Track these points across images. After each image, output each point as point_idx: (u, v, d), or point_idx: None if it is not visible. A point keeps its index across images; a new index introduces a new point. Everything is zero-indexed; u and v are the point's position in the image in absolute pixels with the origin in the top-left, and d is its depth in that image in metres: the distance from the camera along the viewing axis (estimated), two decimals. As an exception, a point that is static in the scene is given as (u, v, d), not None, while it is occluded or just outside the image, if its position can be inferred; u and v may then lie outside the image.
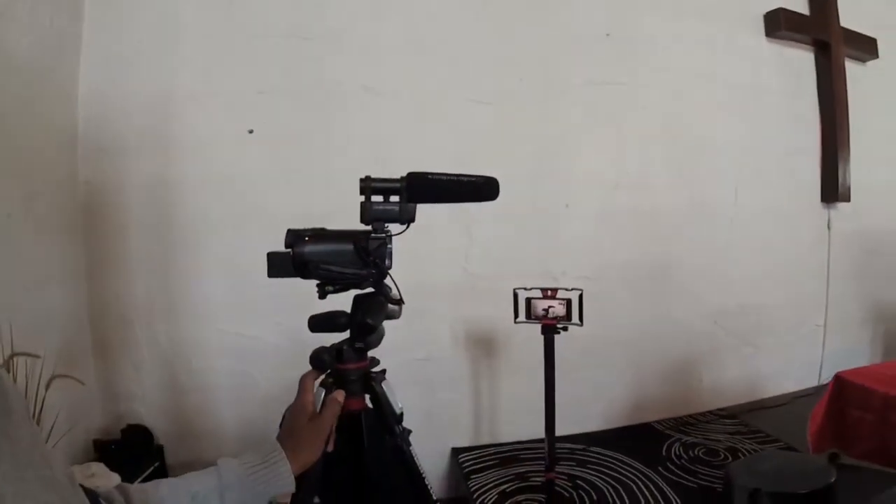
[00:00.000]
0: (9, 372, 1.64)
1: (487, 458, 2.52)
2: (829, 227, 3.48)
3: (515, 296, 2.12)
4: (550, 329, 2.08)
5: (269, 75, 2.37)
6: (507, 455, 2.54)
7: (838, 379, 2.07)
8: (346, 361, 1.08)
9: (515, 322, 2.12)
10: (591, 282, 2.62)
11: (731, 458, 2.44)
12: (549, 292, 2.09)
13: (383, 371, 1.14)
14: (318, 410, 1.01)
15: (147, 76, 2.29)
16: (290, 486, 0.93)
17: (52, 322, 2.08)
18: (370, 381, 1.11)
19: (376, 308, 1.05)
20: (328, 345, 1.10)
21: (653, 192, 2.86)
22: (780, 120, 3.27)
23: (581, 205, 2.74)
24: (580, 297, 2.07)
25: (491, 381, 2.67)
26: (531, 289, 2.11)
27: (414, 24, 2.52)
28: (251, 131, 2.34)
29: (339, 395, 1.02)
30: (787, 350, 3.33)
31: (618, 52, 2.78)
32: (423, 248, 2.47)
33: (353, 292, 1.08)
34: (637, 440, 2.67)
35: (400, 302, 1.09)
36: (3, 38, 1.81)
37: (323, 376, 1.07)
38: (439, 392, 2.60)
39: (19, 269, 1.91)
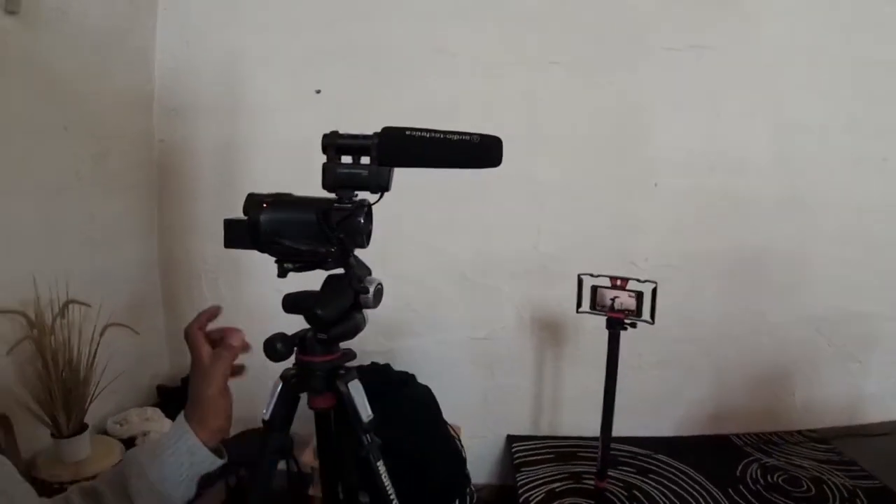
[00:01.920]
0: (63, 318, 1.64)
1: (543, 450, 2.26)
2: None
3: (580, 282, 1.84)
4: (616, 323, 1.79)
5: (338, 36, 2.19)
6: (564, 450, 2.26)
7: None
8: (309, 352, 0.87)
9: (578, 311, 1.84)
10: (676, 271, 2.29)
11: (814, 491, 2.04)
12: (619, 282, 1.79)
13: (355, 369, 0.91)
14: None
15: (218, 37, 2.23)
16: (210, 460, 0.77)
17: (121, 274, 2.10)
18: (334, 378, 0.88)
19: (333, 295, 0.83)
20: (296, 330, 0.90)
21: (752, 176, 2.37)
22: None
23: (669, 184, 2.32)
24: (654, 290, 1.75)
25: (556, 370, 2.39)
26: (598, 276, 1.82)
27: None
28: (318, 91, 2.18)
29: (235, 337, 0.82)
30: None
31: (722, 11, 2.27)
32: (491, 220, 2.27)
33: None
34: (710, 454, 2.29)
35: (364, 290, 0.84)
36: (74, 2, 1.78)
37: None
38: (499, 375, 2.37)
39: (87, 223, 1.91)
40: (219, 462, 0.78)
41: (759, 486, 2.06)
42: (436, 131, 0.78)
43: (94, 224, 1.94)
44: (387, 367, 2.10)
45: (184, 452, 0.74)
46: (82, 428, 1.63)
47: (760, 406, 2.52)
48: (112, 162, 2.01)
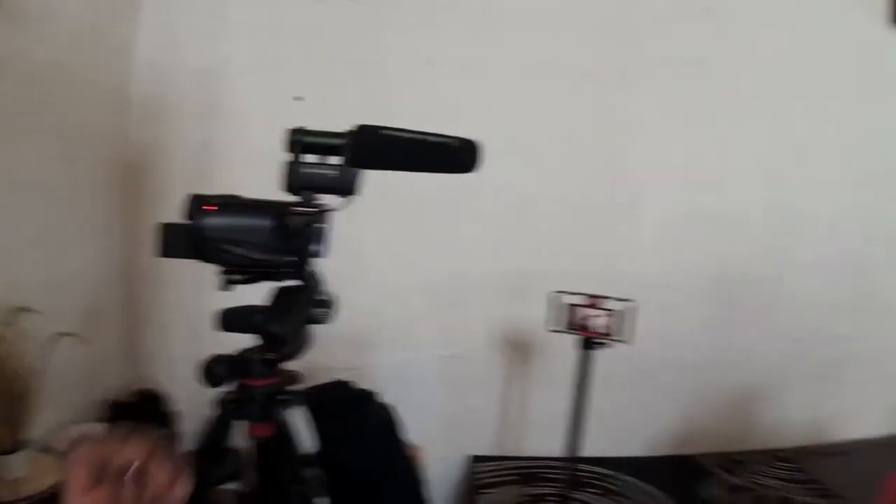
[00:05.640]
0: (11, 325, 1.50)
1: (507, 471, 2.14)
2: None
3: (554, 299, 1.74)
4: (590, 343, 1.69)
5: (324, 43, 2.06)
6: (528, 471, 2.14)
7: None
8: (253, 376, 0.74)
9: (549, 330, 1.74)
10: (654, 291, 2.13)
11: None
12: (595, 300, 1.69)
13: (302, 394, 0.78)
14: None
15: (201, 40, 2.08)
16: None
17: (80, 280, 1.92)
18: (274, 404, 0.75)
19: (289, 310, 0.71)
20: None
21: (735, 195, 2.32)
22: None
23: (650, 201, 2.25)
24: (631, 309, 1.66)
25: (525, 389, 2.27)
26: (573, 293, 1.72)
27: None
28: (299, 98, 2.03)
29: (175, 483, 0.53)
30: (866, 389, 2.68)
31: (713, 29, 2.24)
32: (467, 232, 2.14)
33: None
34: (678, 474, 2.20)
35: (329, 305, 0.73)
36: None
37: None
38: (466, 395, 2.23)
39: (48, 226, 1.76)
40: None
41: (725, 509, 1.98)
42: (414, 131, 0.69)
43: (56, 227, 1.78)
44: (347, 384, 1.97)
45: None
46: (21, 444, 1.50)
47: (729, 426, 2.44)
48: (81, 162, 1.85)
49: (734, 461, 2.31)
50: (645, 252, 2.25)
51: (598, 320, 1.67)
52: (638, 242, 2.25)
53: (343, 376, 1.97)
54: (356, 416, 1.82)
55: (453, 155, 0.70)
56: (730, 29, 2.27)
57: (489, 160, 2.16)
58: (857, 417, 2.63)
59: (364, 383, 1.97)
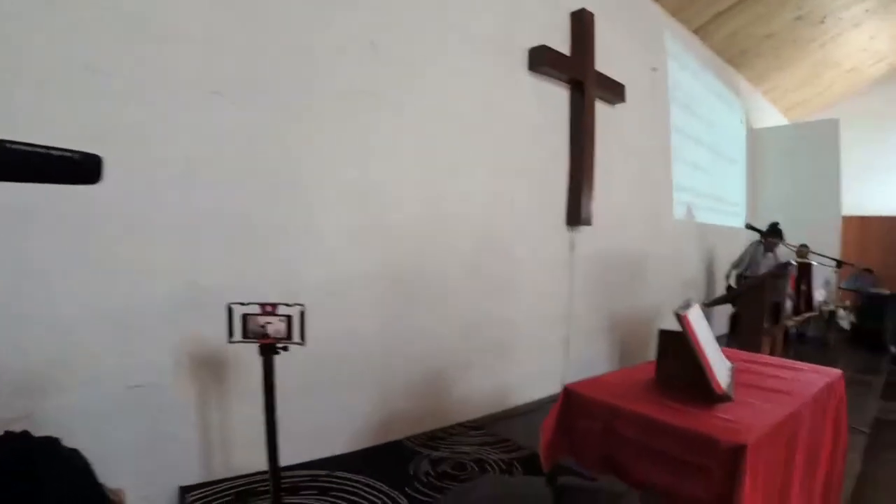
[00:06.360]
0: None
1: (221, 494, 2.18)
2: (572, 248, 3.67)
3: (230, 311, 1.87)
4: (269, 349, 1.86)
5: None
6: (243, 489, 2.21)
7: (567, 391, 1.95)
8: None
9: (229, 341, 1.86)
10: (336, 297, 2.49)
11: (477, 470, 2.40)
12: (269, 308, 1.87)
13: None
14: None
15: None
16: None
17: None
18: None
19: None
20: None
21: (403, 207, 2.77)
22: (534, 147, 3.49)
23: (326, 216, 2.52)
24: (302, 313, 1.87)
25: (222, 408, 2.31)
26: (248, 304, 1.87)
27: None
28: None
29: None
30: (534, 360, 3.44)
31: (381, 62, 2.69)
32: (136, 255, 2.10)
33: None
34: (385, 460, 2.50)
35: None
36: None
37: None
38: (161, 424, 2.16)
39: None
40: None
41: (430, 479, 2.32)
42: (37, 145, 0.78)
43: None
44: (24, 434, 1.83)
45: None
46: None
47: (424, 408, 2.84)
48: None
49: (435, 437, 2.73)
50: (324, 260, 2.51)
51: (274, 326, 1.85)
52: (317, 253, 2.50)
53: (15, 427, 1.83)
54: (42, 469, 1.68)
55: (75, 168, 0.80)
56: (393, 62, 2.74)
57: (162, 177, 2.17)
58: (528, 384, 3.34)
59: (42, 431, 1.85)
